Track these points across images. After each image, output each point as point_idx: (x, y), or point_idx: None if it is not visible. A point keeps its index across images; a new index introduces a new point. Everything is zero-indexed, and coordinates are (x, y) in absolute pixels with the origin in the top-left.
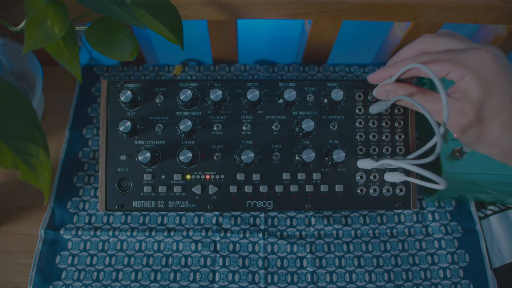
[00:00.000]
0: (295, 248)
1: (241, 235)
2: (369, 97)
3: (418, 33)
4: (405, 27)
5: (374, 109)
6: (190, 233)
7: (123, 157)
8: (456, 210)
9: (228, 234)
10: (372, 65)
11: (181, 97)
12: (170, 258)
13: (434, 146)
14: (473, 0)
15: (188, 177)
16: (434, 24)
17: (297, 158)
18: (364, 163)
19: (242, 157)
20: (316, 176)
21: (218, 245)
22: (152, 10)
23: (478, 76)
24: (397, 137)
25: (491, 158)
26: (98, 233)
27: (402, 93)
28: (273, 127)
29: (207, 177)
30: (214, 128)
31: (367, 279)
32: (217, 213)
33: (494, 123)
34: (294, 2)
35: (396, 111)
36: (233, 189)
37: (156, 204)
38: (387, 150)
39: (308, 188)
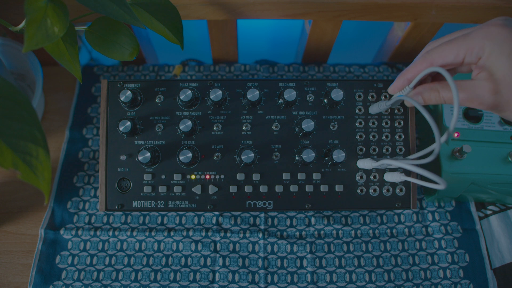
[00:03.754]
0: (295, 248)
1: (241, 235)
2: (369, 97)
3: (418, 33)
4: (405, 27)
5: (374, 109)
6: (190, 233)
7: (123, 157)
8: (456, 210)
9: (228, 234)
10: (372, 65)
11: (181, 97)
12: (170, 258)
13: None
14: (473, 0)
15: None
16: (434, 24)
17: (297, 158)
18: (364, 163)
19: (242, 157)
20: (316, 176)
21: (218, 245)
22: (152, 10)
23: (495, 51)
24: (397, 137)
25: (491, 158)
26: (98, 233)
27: (431, 96)
28: (273, 127)
29: (207, 177)
30: (214, 128)
31: (367, 279)
32: (217, 213)
33: None
34: (294, 2)
35: (396, 111)
36: (233, 189)
37: (156, 204)
38: (387, 150)
39: (308, 188)
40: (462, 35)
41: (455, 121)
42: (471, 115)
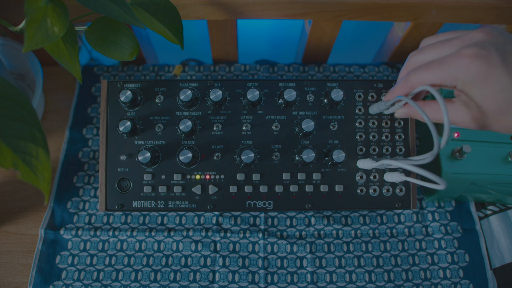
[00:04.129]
0: (295, 248)
1: (241, 235)
2: (369, 97)
3: (418, 33)
4: (405, 27)
5: (374, 109)
6: (190, 233)
7: (123, 157)
8: (456, 210)
9: (228, 234)
10: (372, 65)
11: (181, 97)
12: (170, 258)
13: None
14: (473, 0)
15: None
16: (434, 24)
17: (297, 158)
18: (364, 163)
19: (242, 157)
20: (316, 176)
21: (218, 245)
22: (152, 10)
23: (467, 84)
24: (397, 137)
25: (491, 158)
26: (98, 233)
27: (404, 114)
28: (273, 127)
29: (207, 177)
30: (214, 128)
31: (367, 279)
32: (217, 213)
33: (507, 118)
34: (294, 2)
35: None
36: (233, 189)
37: (156, 204)
38: (387, 150)
39: (308, 188)
40: (437, 62)
41: (445, 141)
42: None
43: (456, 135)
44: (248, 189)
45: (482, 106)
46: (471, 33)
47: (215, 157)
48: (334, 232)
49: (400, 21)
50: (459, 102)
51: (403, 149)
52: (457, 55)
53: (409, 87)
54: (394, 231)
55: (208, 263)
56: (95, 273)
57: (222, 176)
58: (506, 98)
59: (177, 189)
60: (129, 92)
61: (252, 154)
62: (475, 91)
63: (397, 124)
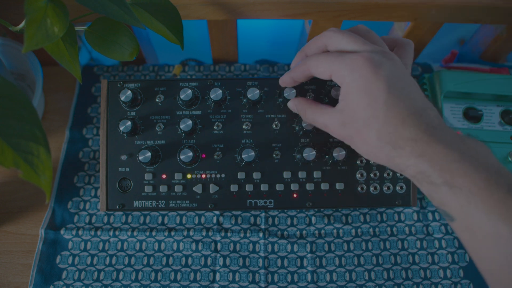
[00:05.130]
0: (295, 247)
1: (242, 235)
2: None
3: (418, 33)
4: (405, 27)
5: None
6: (191, 233)
7: (123, 157)
8: None
9: (229, 234)
10: None
11: (181, 97)
12: (171, 258)
13: None
14: (473, 0)
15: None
16: (434, 24)
17: (297, 156)
18: None
19: (243, 156)
20: (316, 174)
21: (219, 244)
22: (152, 10)
23: (350, 85)
24: None
25: None
26: (98, 233)
27: (294, 106)
28: (274, 126)
29: (207, 176)
30: (215, 127)
31: (366, 277)
32: (217, 212)
33: (368, 133)
34: (294, 2)
35: None
36: (234, 188)
37: (157, 203)
38: None
39: (309, 187)
40: (337, 55)
41: None
42: (471, 115)
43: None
44: (249, 188)
45: (349, 115)
46: (380, 47)
47: (215, 156)
48: (335, 231)
49: (400, 21)
50: (338, 106)
51: None
52: (358, 55)
53: (306, 69)
54: (394, 229)
55: (209, 262)
56: (96, 273)
57: (223, 175)
58: (374, 111)
59: (178, 189)
60: (129, 91)
61: (253, 153)
62: (352, 96)
63: None
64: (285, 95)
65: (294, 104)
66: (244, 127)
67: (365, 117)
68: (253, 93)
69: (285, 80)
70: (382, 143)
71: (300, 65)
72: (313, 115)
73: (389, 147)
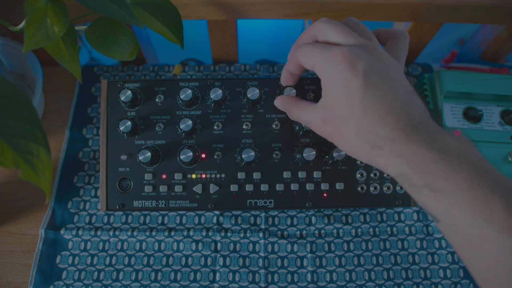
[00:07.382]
0: (295, 247)
1: (242, 235)
2: None
3: (418, 33)
4: (405, 27)
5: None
6: (191, 233)
7: (123, 157)
8: None
9: (229, 234)
10: None
11: (181, 97)
12: (171, 258)
13: None
14: (473, 0)
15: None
16: (434, 24)
17: (297, 156)
18: None
19: (243, 156)
20: (316, 174)
21: (219, 244)
22: (152, 10)
23: (330, 82)
24: None
25: (491, 158)
26: (98, 233)
27: (280, 104)
28: (274, 126)
29: (208, 176)
30: (215, 127)
31: (366, 277)
32: (217, 212)
33: (347, 131)
34: (294, 2)
35: None
36: (234, 188)
37: (157, 203)
38: None
39: (309, 187)
40: (320, 48)
41: None
42: (471, 115)
43: (455, 134)
44: (249, 187)
45: (331, 112)
46: (366, 40)
47: (215, 156)
48: (335, 231)
49: (400, 21)
50: (320, 101)
51: None
52: (337, 49)
53: (296, 61)
54: (394, 229)
55: (209, 262)
56: (96, 273)
57: (223, 175)
58: (351, 108)
59: (178, 189)
60: (129, 91)
61: (253, 153)
62: (332, 92)
63: None
64: (285, 94)
65: (280, 102)
66: (244, 127)
67: (343, 115)
68: (253, 93)
69: (283, 76)
70: (360, 142)
71: (291, 55)
72: (297, 112)
73: (368, 146)
